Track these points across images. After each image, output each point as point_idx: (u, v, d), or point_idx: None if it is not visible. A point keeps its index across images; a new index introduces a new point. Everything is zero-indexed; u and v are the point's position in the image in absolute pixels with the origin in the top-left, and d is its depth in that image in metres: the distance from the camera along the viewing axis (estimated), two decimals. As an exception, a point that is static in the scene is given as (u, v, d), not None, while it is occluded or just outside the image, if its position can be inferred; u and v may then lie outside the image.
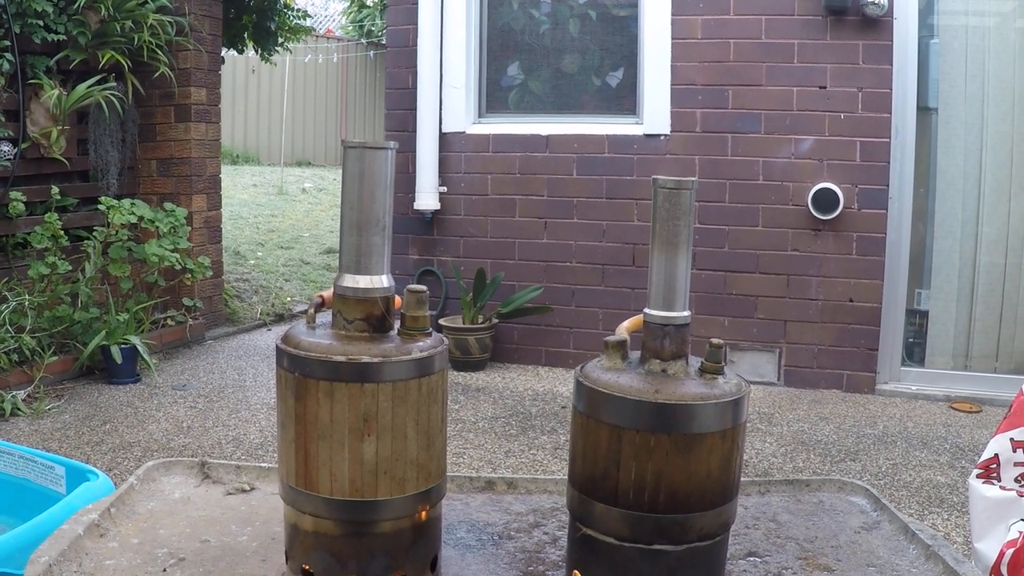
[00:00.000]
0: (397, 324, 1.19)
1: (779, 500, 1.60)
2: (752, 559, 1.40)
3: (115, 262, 5.38)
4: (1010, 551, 2.43)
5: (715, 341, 1.12)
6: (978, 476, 2.67)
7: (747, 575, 1.36)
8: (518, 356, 6.06)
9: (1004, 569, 2.44)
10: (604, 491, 1.13)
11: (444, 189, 5.99)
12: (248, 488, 1.62)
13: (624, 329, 1.23)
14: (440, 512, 1.26)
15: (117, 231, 5.34)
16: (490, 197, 5.98)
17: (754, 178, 5.58)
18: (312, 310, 1.18)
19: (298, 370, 1.12)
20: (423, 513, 1.20)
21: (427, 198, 5.95)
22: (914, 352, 5.75)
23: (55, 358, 5.05)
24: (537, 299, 5.87)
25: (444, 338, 1.21)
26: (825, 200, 5.47)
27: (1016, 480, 2.64)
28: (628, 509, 1.12)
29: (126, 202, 5.45)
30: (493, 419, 5.01)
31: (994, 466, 2.66)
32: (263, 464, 1.69)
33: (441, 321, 5.91)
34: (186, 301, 6.09)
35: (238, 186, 11.86)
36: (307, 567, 1.22)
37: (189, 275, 5.79)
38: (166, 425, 4.65)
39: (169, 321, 6.03)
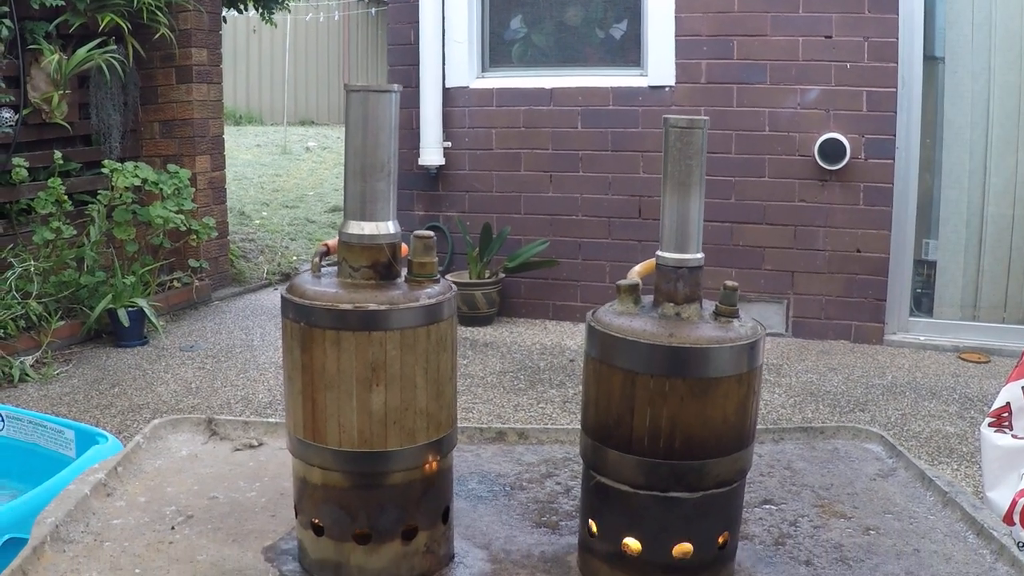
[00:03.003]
0: (404, 272, 1.16)
1: (793, 448, 1.58)
2: (768, 507, 1.38)
3: (120, 225, 5.36)
4: (1022, 500, 2.42)
5: (729, 283, 1.09)
6: (990, 425, 2.65)
7: (763, 523, 1.34)
8: (525, 310, 6.05)
9: (1017, 518, 2.43)
10: (618, 438, 1.11)
11: (448, 144, 5.96)
12: (256, 444, 1.60)
13: (635, 273, 1.20)
14: (451, 463, 1.24)
15: (121, 194, 5.32)
16: (495, 151, 5.94)
17: (760, 129, 5.53)
18: (317, 259, 1.15)
19: (304, 320, 1.10)
20: (434, 464, 1.18)
21: (432, 153, 5.91)
22: (922, 302, 5.73)
23: (62, 323, 5.06)
24: (543, 253, 5.86)
25: (452, 285, 1.18)
26: (832, 150, 5.43)
27: (1028, 428, 2.63)
28: (643, 456, 1.09)
29: (129, 165, 5.43)
30: (501, 373, 5.01)
31: (1006, 415, 2.64)
32: (271, 420, 1.68)
33: (448, 276, 5.88)
34: (192, 262, 6.09)
35: (241, 146, 11.81)
36: (317, 521, 1.20)
37: (194, 236, 5.78)
38: (174, 387, 4.66)
39: (175, 283, 6.03)
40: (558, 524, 1.34)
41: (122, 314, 5.10)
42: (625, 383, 1.08)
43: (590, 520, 1.18)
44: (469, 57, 5.93)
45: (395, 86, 1.13)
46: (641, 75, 5.70)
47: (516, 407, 4.56)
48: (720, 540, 1.15)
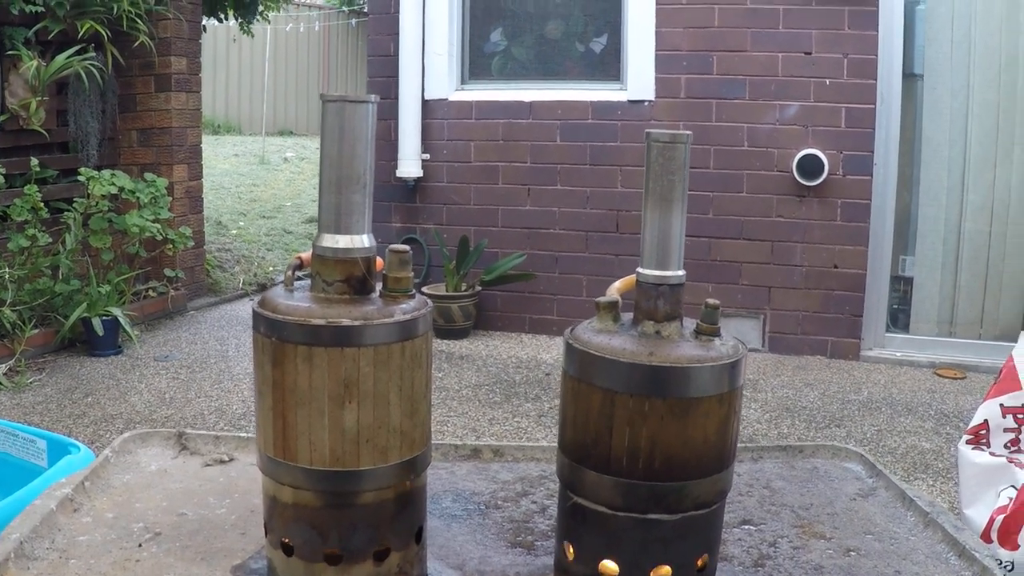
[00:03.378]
0: (379, 287, 1.13)
1: (772, 467, 1.56)
2: (747, 527, 1.36)
3: (96, 233, 5.32)
4: (1000, 517, 2.41)
5: (711, 302, 1.07)
6: (967, 442, 2.65)
7: (742, 543, 1.32)
8: (502, 323, 6.03)
9: (994, 535, 2.43)
10: (596, 458, 1.08)
11: (427, 156, 5.94)
12: (227, 459, 1.57)
13: (615, 290, 1.18)
14: (425, 481, 1.21)
15: (97, 202, 5.29)
16: (473, 164, 5.92)
17: (739, 144, 5.54)
18: (290, 272, 1.13)
19: (275, 335, 1.07)
20: (407, 483, 1.15)
21: (410, 165, 5.89)
22: (899, 318, 5.74)
23: (36, 331, 5.00)
24: (520, 266, 5.84)
25: (428, 300, 1.16)
26: (810, 166, 5.44)
27: (1006, 446, 2.62)
28: (621, 477, 1.07)
29: (106, 173, 5.39)
30: (477, 387, 4.99)
31: (983, 432, 2.64)
32: (242, 434, 1.64)
33: (424, 289, 5.87)
34: (167, 272, 6.05)
35: (219, 156, 11.75)
36: (287, 540, 1.17)
37: (170, 246, 5.76)
38: (148, 397, 4.61)
39: (151, 292, 5.99)
40: (533, 544, 1.31)
41: (96, 323, 5.05)
42: (604, 402, 1.05)
43: (566, 542, 1.15)
44: (449, 69, 5.92)
45: (372, 96, 1.11)
46: (621, 89, 5.70)
47: (491, 420, 4.53)
48: (699, 563, 1.13)
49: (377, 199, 6.08)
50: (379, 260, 1.16)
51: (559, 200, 5.83)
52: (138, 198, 5.49)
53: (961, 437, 2.67)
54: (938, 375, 5.38)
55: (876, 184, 5.44)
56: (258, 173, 11.61)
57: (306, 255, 1.14)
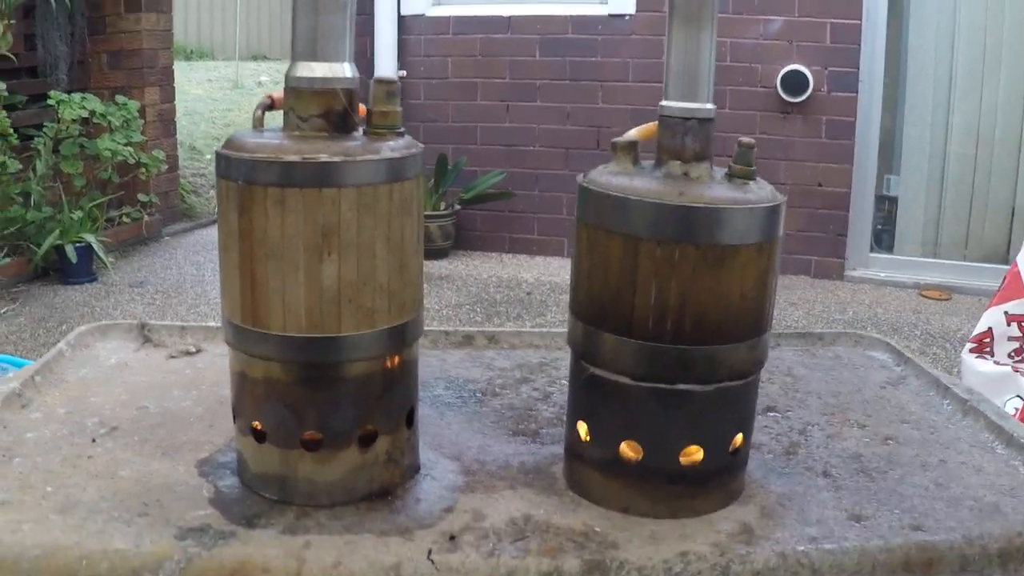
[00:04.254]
0: (362, 129, 0.97)
1: (791, 354, 1.43)
2: (773, 414, 1.23)
3: (67, 159, 5.18)
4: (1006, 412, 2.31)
5: (745, 140, 0.92)
6: (971, 350, 2.54)
7: (769, 431, 1.19)
8: (481, 243, 5.89)
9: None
10: (616, 319, 0.93)
11: (403, 73, 5.73)
12: (194, 350, 1.42)
13: (632, 135, 1.02)
14: (416, 356, 1.06)
15: (68, 127, 5.13)
16: (451, 81, 5.73)
17: (721, 59, 5.37)
18: (259, 111, 0.96)
19: (242, 177, 0.90)
20: (397, 355, 1.00)
21: (384, 82, 5.69)
22: (883, 238, 5.64)
23: (8, 260, 4.86)
24: (500, 184, 5.69)
25: (418, 143, 1.00)
26: (794, 82, 5.29)
27: (1010, 355, 2.52)
28: (646, 340, 0.92)
29: (76, 96, 5.21)
30: (457, 307, 4.87)
31: (987, 340, 2.54)
32: (211, 323, 1.49)
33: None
34: (141, 197, 5.91)
35: (192, 81, 11.45)
36: (258, 425, 1.02)
37: (144, 170, 5.61)
38: None
39: (124, 218, 5.85)
40: (538, 432, 1.17)
41: (70, 250, 4.94)
42: (626, 251, 0.90)
43: (580, 421, 1.00)
44: (425, -17, 5.71)
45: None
46: (600, 3, 5.51)
47: (471, 342, 4.41)
48: (734, 444, 0.99)
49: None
50: (361, 107, 1.00)
51: (539, 117, 5.65)
52: (109, 122, 5.33)
53: (965, 345, 2.57)
54: (923, 296, 5.29)
55: (861, 102, 5.30)
56: (232, 98, 11.35)
57: (278, 94, 0.98)
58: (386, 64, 5.64)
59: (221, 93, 10.83)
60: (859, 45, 5.24)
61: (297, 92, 0.93)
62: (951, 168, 5.37)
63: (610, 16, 5.46)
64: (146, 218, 5.97)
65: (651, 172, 0.94)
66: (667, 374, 0.92)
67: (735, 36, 5.33)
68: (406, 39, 5.70)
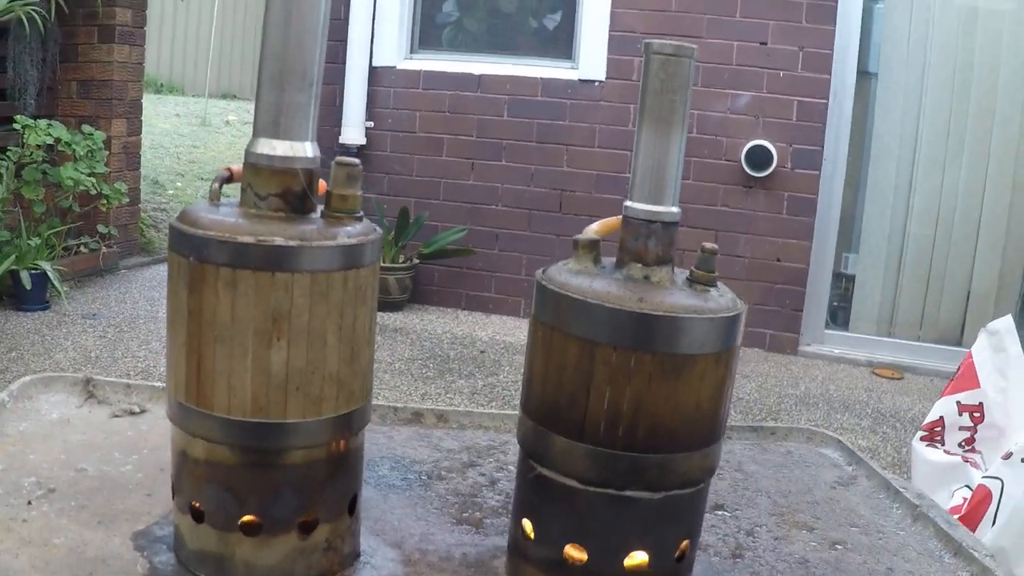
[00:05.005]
0: (321, 209, 0.95)
1: (743, 448, 1.42)
2: (721, 513, 1.21)
3: (28, 184, 5.12)
4: (955, 518, 2.31)
5: (708, 245, 0.92)
6: (922, 439, 2.55)
7: (717, 531, 1.17)
8: (438, 298, 5.87)
9: (949, 536, 2.32)
10: (568, 422, 0.91)
11: (371, 124, 5.74)
12: (138, 410, 1.38)
13: (593, 232, 1.01)
14: (362, 442, 1.03)
15: (32, 152, 5.08)
16: (418, 135, 5.74)
17: (688, 131, 5.41)
18: (216, 184, 0.94)
19: (193, 254, 0.88)
20: (342, 442, 0.97)
21: (353, 132, 5.69)
22: (838, 316, 5.69)
23: (-39, 283, 4.78)
24: (460, 241, 5.68)
25: (377, 227, 0.98)
26: (759, 157, 5.35)
27: (960, 445, 2.53)
28: (597, 445, 0.90)
29: (43, 123, 5.16)
30: (410, 360, 4.83)
31: (939, 429, 2.54)
32: (157, 384, 1.45)
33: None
34: (101, 228, 5.84)
35: (160, 115, 11.39)
36: (197, 504, 0.99)
37: (105, 201, 5.56)
38: (74, 355, 4.45)
39: (82, 248, 5.78)
40: (482, 522, 1.15)
41: (25, 276, 4.87)
42: (582, 355, 0.88)
43: (525, 519, 0.98)
44: (399, 36, 5.72)
45: (326, -17, 0.93)
46: (572, 68, 5.55)
47: (424, 396, 4.38)
48: (680, 549, 0.97)
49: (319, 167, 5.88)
50: (322, 183, 0.98)
51: (503, 176, 5.67)
52: (74, 150, 5.29)
53: (916, 433, 2.58)
54: (876, 374, 5.33)
55: (824, 179, 5.37)
56: (199, 134, 11.30)
57: (237, 167, 0.96)
58: (354, 114, 5.65)
59: (188, 129, 10.79)
60: (824, 124, 5.31)
61: (256, 169, 0.91)
62: (910, 249, 5.44)
63: (580, 81, 5.51)
64: (104, 249, 5.90)
65: (611, 273, 0.93)
66: (617, 480, 0.91)
67: (703, 109, 5.39)
68: (376, 90, 5.71)
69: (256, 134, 0.92)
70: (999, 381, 2.46)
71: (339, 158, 0.92)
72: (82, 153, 5.32)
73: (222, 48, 15.22)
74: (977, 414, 2.47)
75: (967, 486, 2.38)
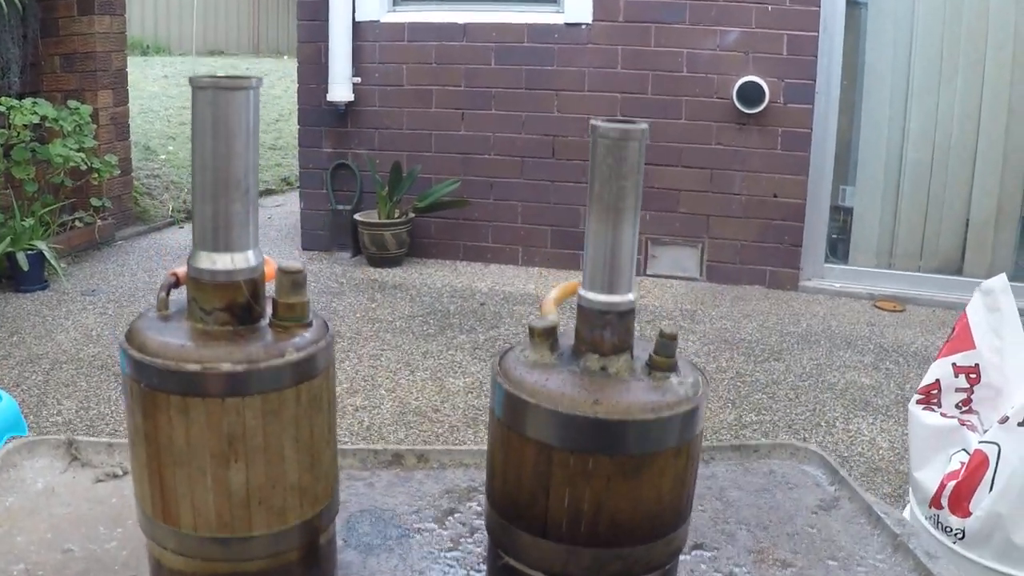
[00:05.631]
0: (270, 311, 0.94)
1: (725, 471, 1.42)
2: (699, 553, 1.22)
3: (18, 164, 5.14)
4: (951, 483, 2.33)
5: (667, 331, 0.90)
6: (918, 402, 2.55)
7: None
8: (435, 251, 5.88)
9: (945, 502, 2.34)
10: (530, 519, 0.91)
11: (358, 80, 5.68)
12: (121, 473, 1.38)
13: (552, 303, 1.00)
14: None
15: (19, 132, 5.07)
16: (406, 88, 5.68)
17: (678, 70, 5.36)
18: (163, 293, 0.93)
19: (144, 380, 0.87)
20: (313, 542, 0.98)
21: (340, 89, 5.65)
22: (838, 249, 5.68)
23: (-42, 269, 4.82)
24: (454, 192, 5.67)
25: (327, 325, 0.97)
26: (750, 93, 5.29)
27: (957, 407, 2.53)
28: (560, 542, 0.90)
29: (28, 102, 5.17)
30: (410, 318, 4.85)
31: (935, 391, 2.54)
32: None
33: (356, 216, 5.70)
34: (94, 201, 5.86)
35: (148, 78, 11.29)
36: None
37: (96, 175, 5.57)
38: (75, 334, 4.51)
39: (77, 223, 5.80)
40: (461, 584, 1.15)
41: (21, 257, 4.92)
42: (539, 458, 0.88)
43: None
44: (380, -12, 5.64)
45: (253, 79, 0.91)
46: (557, 12, 5.48)
47: (425, 354, 4.41)
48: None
49: (308, 124, 5.85)
50: (270, 265, 0.97)
51: (494, 125, 5.62)
52: (61, 126, 5.29)
53: (912, 396, 2.58)
54: (877, 307, 5.33)
55: (817, 113, 5.32)
56: (188, 95, 11.20)
57: (181, 271, 0.94)
58: (341, 70, 5.59)
59: (177, 90, 10.70)
60: (816, 56, 5.25)
61: (199, 284, 0.90)
62: (907, 178, 5.40)
63: (567, 25, 5.43)
64: (99, 223, 5.92)
65: (568, 364, 0.92)
66: (581, 573, 0.91)
67: (692, 47, 5.33)
68: (361, 45, 5.64)
69: (196, 246, 0.91)
70: (994, 341, 2.45)
71: (283, 264, 0.91)
72: (70, 129, 5.31)
73: (207, 5, 15.00)
74: (973, 375, 2.47)
75: (964, 449, 2.39)
